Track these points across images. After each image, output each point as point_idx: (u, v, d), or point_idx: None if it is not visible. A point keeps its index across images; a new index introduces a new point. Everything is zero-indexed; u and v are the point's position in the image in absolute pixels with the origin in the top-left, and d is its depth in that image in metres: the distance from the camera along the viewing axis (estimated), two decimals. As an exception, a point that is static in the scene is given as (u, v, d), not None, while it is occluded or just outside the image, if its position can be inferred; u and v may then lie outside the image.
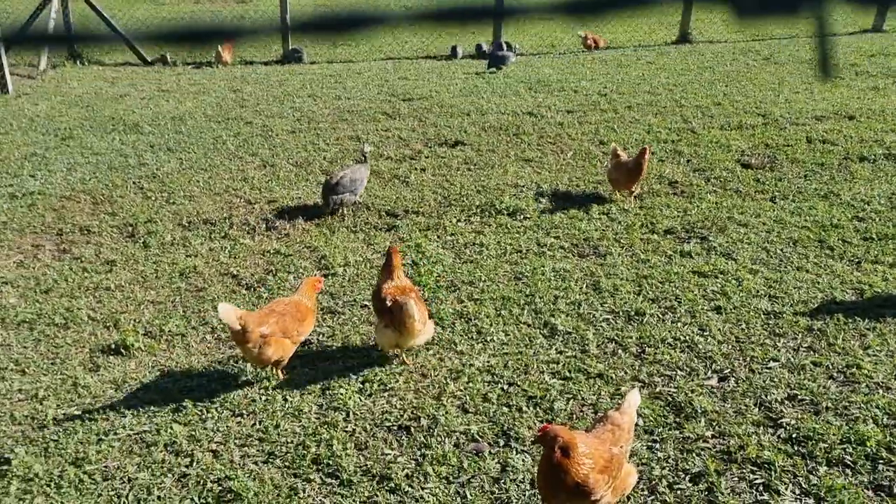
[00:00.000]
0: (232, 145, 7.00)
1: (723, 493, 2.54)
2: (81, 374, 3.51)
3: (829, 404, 2.98)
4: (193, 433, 3.00)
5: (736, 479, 2.62)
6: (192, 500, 2.65)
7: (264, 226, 5.26)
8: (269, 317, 3.17)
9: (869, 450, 2.71)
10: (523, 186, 5.82)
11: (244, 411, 3.13)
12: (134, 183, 6.09)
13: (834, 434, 2.79)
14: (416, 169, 6.28)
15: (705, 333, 3.61)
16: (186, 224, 5.31)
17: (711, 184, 5.80)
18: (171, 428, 3.03)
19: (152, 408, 3.20)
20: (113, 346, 3.74)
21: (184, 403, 3.20)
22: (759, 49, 11.73)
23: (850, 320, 3.65)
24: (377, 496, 2.62)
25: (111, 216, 5.48)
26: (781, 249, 4.54)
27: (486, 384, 3.25)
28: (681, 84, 9.30)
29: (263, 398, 3.23)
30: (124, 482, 2.75)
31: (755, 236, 4.75)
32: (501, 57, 10.41)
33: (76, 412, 3.20)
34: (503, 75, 10.03)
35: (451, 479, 2.70)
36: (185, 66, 11.28)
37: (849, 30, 13.56)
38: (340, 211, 5.38)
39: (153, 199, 5.78)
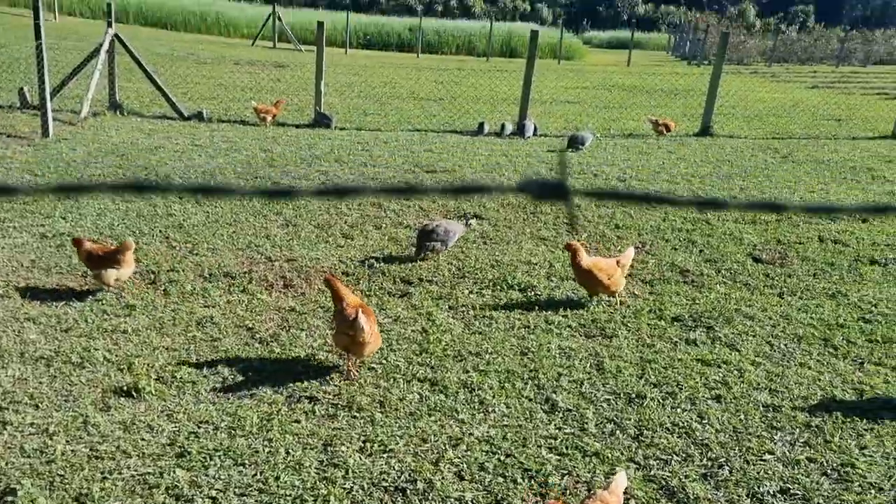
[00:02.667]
0: (258, 203, 7.22)
1: (708, 580, 2.57)
2: (92, 413, 3.61)
3: (821, 500, 3.02)
4: (195, 479, 3.08)
5: (722, 566, 2.65)
6: (188, 543, 2.71)
7: (282, 283, 5.41)
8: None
9: (856, 549, 2.73)
10: (536, 264, 5.96)
11: (246, 461, 3.21)
12: (160, 232, 6.29)
13: (823, 530, 2.82)
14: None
15: (703, 421, 3.66)
16: (207, 275, 5.47)
17: (722, 275, 5.91)
18: (174, 472, 3.11)
19: (157, 451, 3.28)
20: (125, 388, 3.84)
21: (189, 449, 3.28)
22: (777, 147, 11.97)
23: (848, 419, 3.70)
24: (368, 555, 2.67)
25: (135, 262, 5.65)
26: (785, 345, 4.61)
27: (483, 453, 3.32)
28: (699, 175, 9.51)
29: (266, 450, 3.31)
30: (124, 521, 2.82)
31: (760, 330, 4.83)
32: (581, 138, 10.75)
33: (84, 449, 3.29)
34: (525, 154, 10.30)
35: (441, 544, 2.74)
36: (220, 124, 11.67)
37: (868, 135, 13.82)
38: (426, 257, 5.86)
39: (177, 248, 5.97)
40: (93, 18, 38.97)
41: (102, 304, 4.93)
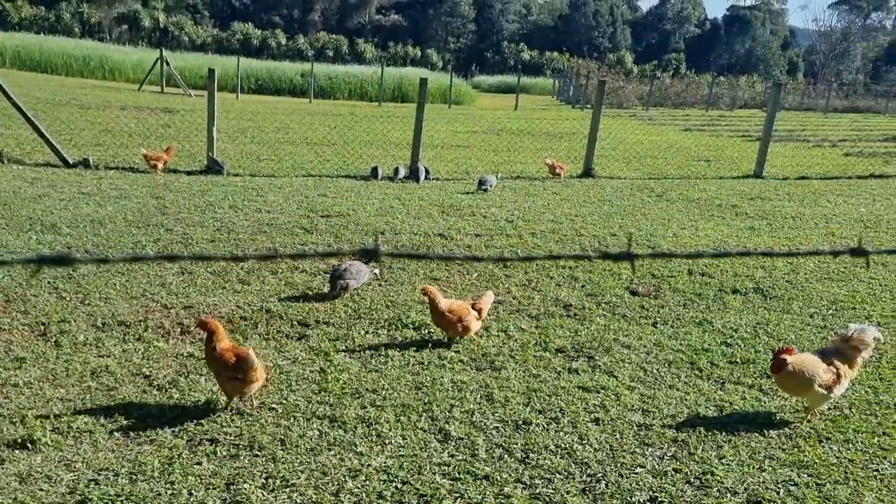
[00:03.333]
0: (151, 251, 7.20)
1: (586, 582, 2.85)
2: (-15, 467, 3.57)
3: (684, 505, 3.38)
4: (98, 524, 3.12)
5: (598, 569, 2.94)
6: (93, 586, 2.77)
7: (179, 330, 5.44)
8: None
9: (713, 545, 3.09)
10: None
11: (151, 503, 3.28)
12: (49, 283, 6.19)
13: (685, 531, 3.17)
14: (328, 282, 6.61)
15: (583, 442, 3.99)
16: (101, 325, 5.44)
17: (602, 308, 6.35)
18: (76, 519, 3.14)
19: (57, 500, 3.30)
20: (19, 441, 3.82)
21: (89, 496, 3.32)
22: (653, 187, 12.82)
23: (709, 433, 4.11)
24: (273, 584, 2.81)
25: (23, 314, 5.56)
26: (657, 369, 5.04)
27: (381, 482, 3.51)
28: (581, 214, 10.10)
29: (169, 492, 3.39)
30: (26, 569, 2.84)
31: (636, 357, 5.25)
32: (488, 181, 11.54)
33: (-21, 503, 3.27)
34: (417, 198, 10.64)
35: (343, 568, 2.91)
36: (108, 171, 11.47)
37: (733, 174, 14.97)
38: (343, 295, 6.19)
39: (68, 299, 5.89)
40: (-35, 62, 37.25)
41: (-10, 357, 4.83)
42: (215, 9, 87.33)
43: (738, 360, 5.26)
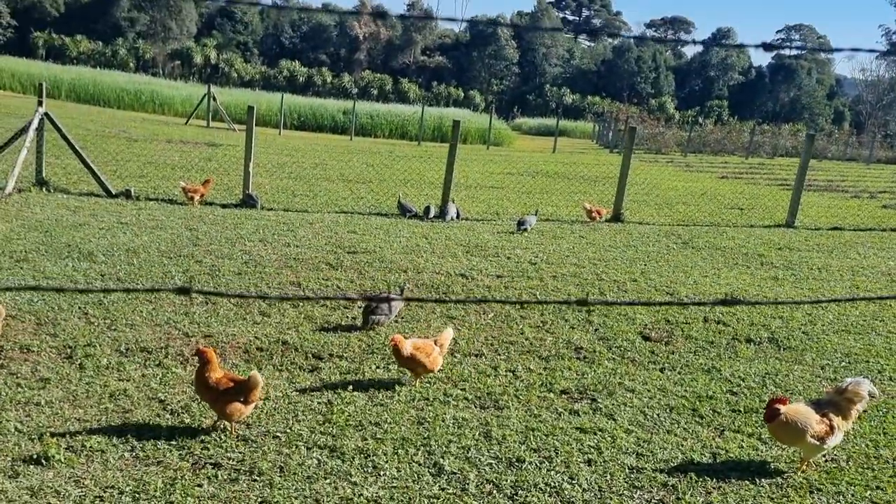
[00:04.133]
0: (179, 281, 7.49)
1: None
2: (0, 480, 3.79)
3: (662, 548, 3.44)
4: (98, 537, 3.30)
5: None
6: None
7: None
8: None
9: (686, 587, 3.14)
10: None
11: (148, 521, 3.45)
12: (79, 308, 6.48)
13: (659, 572, 3.23)
14: (346, 317, 6.81)
15: (574, 482, 4.07)
16: (124, 350, 5.69)
17: (612, 352, 6.42)
18: (79, 532, 3.33)
19: (64, 513, 3.50)
20: (35, 457, 4.04)
21: (94, 511, 3.51)
22: (680, 233, 12.85)
23: (700, 479, 4.16)
24: None
25: (52, 337, 5.84)
26: (658, 414, 5.10)
27: (371, 512, 3.65)
28: (605, 259, 10.18)
29: (168, 511, 3.56)
30: (27, 576, 3.03)
31: (638, 401, 5.32)
32: (526, 221, 11.99)
33: (-9, 513, 3.48)
34: (444, 237, 10.84)
35: (323, 591, 3.04)
36: (147, 202, 11.91)
37: (765, 223, 14.91)
38: (371, 328, 6.51)
39: (96, 324, 6.17)
40: (23, 93, 38.87)
41: (17, 377, 5.10)
42: (265, 47, 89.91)
43: (742, 408, 5.29)
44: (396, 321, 6.79)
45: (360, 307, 6.89)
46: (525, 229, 11.80)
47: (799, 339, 7.05)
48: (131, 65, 72.63)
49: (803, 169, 14.80)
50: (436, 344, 5.42)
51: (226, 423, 4.50)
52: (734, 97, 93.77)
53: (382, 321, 6.62)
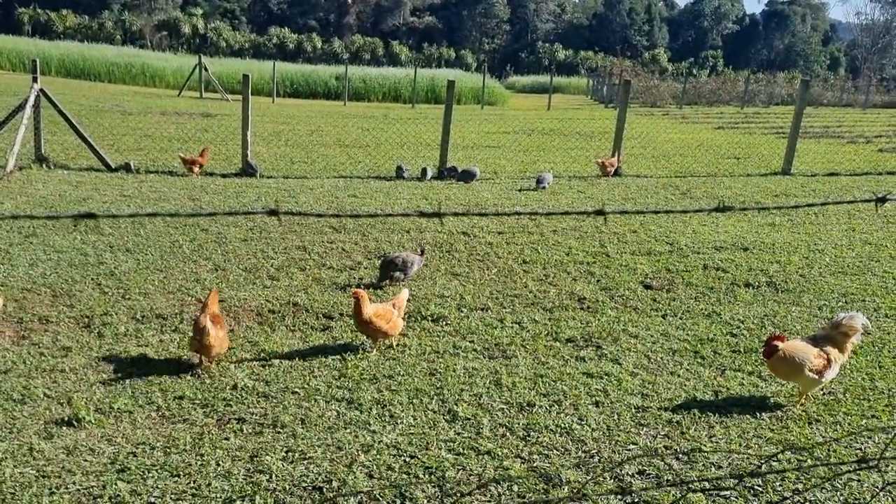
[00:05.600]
0: (187, 249, 7.62)
1: (571, 542, 3.14)
2: (36, 441, 3.97)
3: (670, 477, 3.63)
4: (135, 489, 3.49)
5: (583, 531, 3.22)
6: (130, 540, 3.13)
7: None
8: None
9: (692, 512, 3.34)
10: (448, 297, 6.53)
11: (181, 473, 3.63)
12: (92, 279, 6.63)
13: (667, 500, 3.42)
14: (354, 278, 6.96)
15: (583, 422, 4.25)
16: (140, 318, 5.85)
17: (615, 301, 6.59)
18: (116, 485, 3.51)
19: (99, 469, 3.68)
20: (66, 419, 4.21)
21: (128, 465, 3.69)
22: (678, 184, 12.96)
23: (703, 415, 4.35)
24: (289, 541, 3.14)
25: (69, 308, 5.99)
26: (661, 357, 5.28)
27: (391, 456, 3.83)
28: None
29: (199, 463, 3.74)
30: (73, 525, 3.22)
31: (641, 346, 5.49)
32: (543, 178, 12.31)
33: (31, 471, 3.65)
34: (444, 197, 10.95)
35: (352, 528, 3.24)
36: (148, 174, 11.99)
37: (762, 171, 15.01)
38: (388, 284, 6.74)
39: (110, 294, 6.32)
40: (13, 71, 38.55)
41: (39, 347, 5.26)
42: (252, 14, 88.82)
43: (742, 349, 5.47)
44: (378, 284, 6.93)
45: (368, 265, 7.04)
46: (544, 187, 12.09)
47: (796, 281, 7.22)
48: (118, 37, 71.86)
49: (798, 116, 14.85)
50: (394, 307, 5.34)
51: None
52: (728, 47, 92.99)
53: (399, 278, 6.76)
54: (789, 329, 5.97)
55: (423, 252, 7.11)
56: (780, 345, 4.35)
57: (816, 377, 4.36)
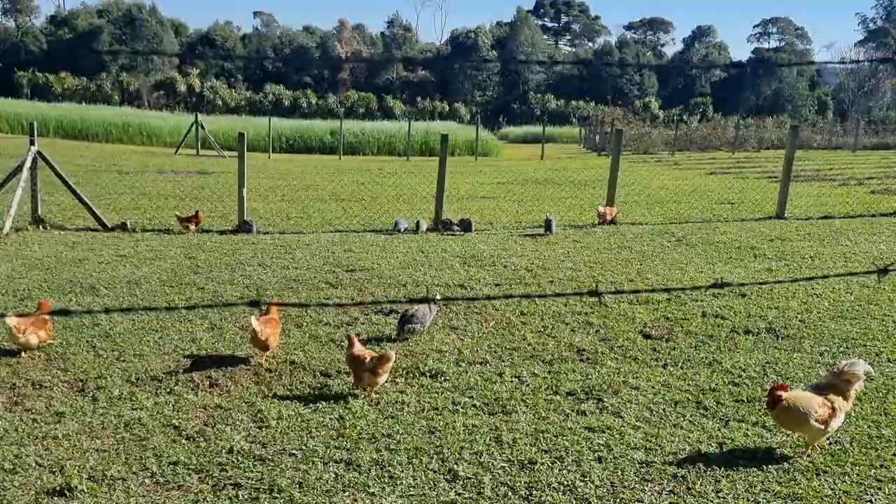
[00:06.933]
0: (183, 309, 7.57)
1: None
2: (27, 513, 3.87)
3: (677, 536, 3.54)
4: (128, 562, 3.39)
5: None
6: None
7: (208, 383, 5.75)
8: None
9: (702, 572, 3.25)
10: (446, 352, 6.47)
11: (175, 543, 3.54)
12: (87, 341, 6.57)
13: (675, 560, 3.34)
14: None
15: (586, 479, 4.17)
16: (135, 380, 5.78)
17: (614, 351, 6.53)
18: (108, 557, 3.41)
19: (92, 541, 3.58)
20: (58, 489, 4.12)
21: (121, 537, 3.59)
22: (674, 231, 12.99)
23: (709, 468, 4.27)
24: None
25: (63, 372, 5.92)
26: (663, 409, 5.20)
27: (391, 520, 3.74)
28: (600, 261, 10.31)
29: (193, 532, 3.65)
30: None
31: (643, 398, 5.42)
32: (550, 222, 12.83)
33: (21, 545, 3.56)
34: (441, 250, 10.95)
35: None
36: (144, 233, 12.00)
37: (756, 216, 15.07)
38: (406, 338, 6.74)
39: (104, 356, 6.25)
40: (11, 133, 38.92)
41: (32, 413, 5.18)
42: (249, 72, 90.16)
43: (745, 398, 5.41)
44: (375, 341, 6.88)
45: (365, 321, 7.00)
46: (551, 231, 12.54)
47: (796, 327, 7.18)
48: (116, 98, 72.78)
49: (789, 160, 14.98)
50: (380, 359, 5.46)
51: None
52: (717, 94, 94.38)
53: (417, 329, 6.79)
54: (791, 376, 5.91)
55: (436, 301, 7.14)
56: (784, 395, 4.30)
57: (822, 427, 4.29)
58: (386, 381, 5.56)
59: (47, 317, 6.24)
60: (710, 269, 9.76)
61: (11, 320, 6.04)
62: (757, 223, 14.13)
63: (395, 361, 5.53)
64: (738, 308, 7.81)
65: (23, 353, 6.18)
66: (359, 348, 5.55)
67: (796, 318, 7.49)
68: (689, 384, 5.71)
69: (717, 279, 9.16)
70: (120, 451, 4.61)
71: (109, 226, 12.23)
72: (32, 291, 8.04)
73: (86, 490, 4.11)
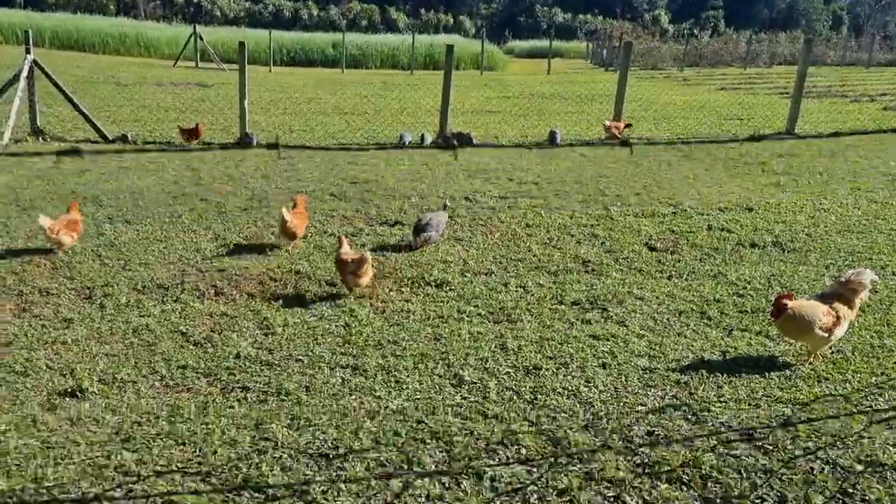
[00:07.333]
0: (187, 219, 7.55)
1: (581, 503, 3.10)
2: (40, 413, 3.94)
3: (679, 437, 3.60)
4: (141, 458, 3.46)
5: (593, 492, 3.18)
6: (137, 509, 3.11)
7: (213, 291, 5.77)
8: None
9: (703, 471, 3.31)
10: (451, 262, 6.47)
11: (186, 441, 3.60)
12: (92, 251, 6.57)
13: (677, 460, 3.39)
14: (355, 245, 6.89)
15: (590, 384, 4.22)
16: (141, 288, 5.80)
17: (619, 263, 6.52)
18: (121, 454, 3.49)
19: (104, 439, 3.65)
20: (69, 390, 4.18)
21: (133, 435, 3.66)
22: (681, 147, 12.82)
23: (711, 375, 4.31)
24: (296, 507, 3.12)
25: (69, 280, 5.94)
26: (667, 319, 5.23)
27: (397, 422, 3.80)
28: (606, 175, 10.21)
29: (204, 431, 3.71)
30: (78, 495, 3.20)
31: (647, 308, 5.44)
32: (555, 134, 13.17)
33: (35, 443, 3.63)
34: (445, 163, 10.83)
35: (360, 494, 3.21)
36: (146, 145, 11.87)
37: (766, 131, 14.85)
38: (421, 247, 6.77)
39: (110, 265, 6.26)
40: (5, 43, 38.11)
41: (41, 319, 5.21)
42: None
43: (749, 309, 5.42)
44: (381, 252, 6.87)
45: (370, 232, 7.02)
46: (556, 144, 12.69)
47: (802, 241, 7.15)
48: (112, 8, 70.95)
49: (802, 76, 14.65)
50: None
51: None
52: (729, 6, 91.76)
53: (434, 238, 6.81)
54: (796, 288, 5.91)
55: (445, 207, 7.26)
56: (789, 304, 4.30)
57: (826, 335, 4.31)
58: (368, 283, 5.66)
59: (78, 217, 6.63)
60: (718, 185, 9.66)
61: (45, 221, 6.24)
62: (766, 139, 13.92)
63: (370, 263, 5.61)
64: (745, 222, 7.77)
65: (59, 252, 6.43)
66: (344, 251, 5.68)
67: (803, 231, 7.45)
68: (693, 295, 5.71)
69: (728, 200, 9.10)
70: (129, 356, 4.66)
71: (110, 137, 12.10)
72: (35, 201, 8.00)
73: (97, 392, 4.17)
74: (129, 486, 3.27)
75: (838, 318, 4.32)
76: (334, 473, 3.35)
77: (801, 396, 4.07)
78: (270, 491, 3.22)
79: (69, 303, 5.52)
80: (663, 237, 7.26)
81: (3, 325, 5.10)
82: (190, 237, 7.01)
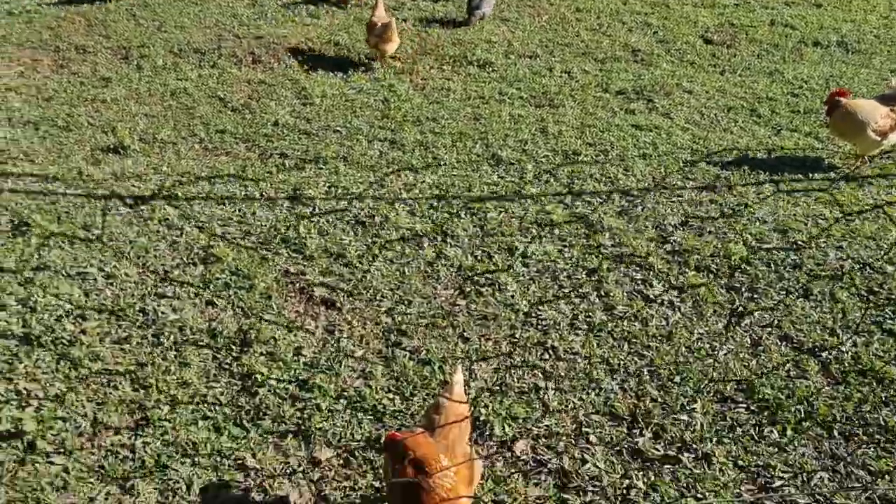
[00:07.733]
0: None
1: (608, 283, 3.18)
2: (84, 166, 4.03)
3: (712, 229, 3.60)
4: (183, 213, 3.57)
5: (622, 274, 3.25)
6: (181, 259, 3.25)
7: (251, 58, 5.66)
8: None
9: (732, 262, 3.34)
10: (496, 42, 6.21)
11: (226, 201, 3.69)
12: (126, 10, 6.40)
13: (708, 249, 3.42)
14: (398, 19, 6.60)
15: (628, 173, 4.17)
16: (177, 51, 5.70)
17: (671, 54, 6.22)
18: (165, 209, 3.59)
19: (147, 194, 3.75)
20: (111, 146, 4.24)
21: (175, 192, 3.76)
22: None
23: (754, 172, 4.23)
24: (332, 268, 3.24)
25: (105, 38, 5.84)
26: (715, 114, 5.05)
27: (433, 196, 3.83)
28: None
29: (243, 193, 3.80)
30: (126, 243, 3.34)
31: (695, 101, 5.25)
32: None
33: (82, 193, 3.74)
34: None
35: (394, 260, 3.31)
36: None
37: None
38: (478, 23, 6.53)
39: (145, 26, 6.12)
40: None
41: (79, 77, 5.20)
42: None
43: (801, 109, 5.20)
44: (423, 27, 6.57)
45: (413, 6, 6.71)
46: None
47: (870, 42, 6.71)
48: None
49: None
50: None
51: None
52: None
53: (487, 14, 6.61)
54: (855, 92, 5.62)
55: None
56: (843, 100, 4.10)
57: (878, 139, 4.14)
58: (393, 52, 5.57)
59: None
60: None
61: None
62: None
63: (394, 27, 5.48)
64: (811, 18, 7.26)
65: None
66: (378, 14, 5.57)
67: (871, 32, 6.97)
68: (745, 92, 5.48)
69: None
70: (168, 118, 4.67)
71: None
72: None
73: (138, 150, 4.23)
74: (173, 238, 3.39)
75: (896, 122, 4.13)
76: (369, 240, 3.44)
77: (841, 198, 4.00)
78: (307, 252, 3.32)
79: (106, 62, 5.47)
80: (721, 30, 6.85)
81: (43, 80, 5.10)
82: (226, 1, 6.76)
